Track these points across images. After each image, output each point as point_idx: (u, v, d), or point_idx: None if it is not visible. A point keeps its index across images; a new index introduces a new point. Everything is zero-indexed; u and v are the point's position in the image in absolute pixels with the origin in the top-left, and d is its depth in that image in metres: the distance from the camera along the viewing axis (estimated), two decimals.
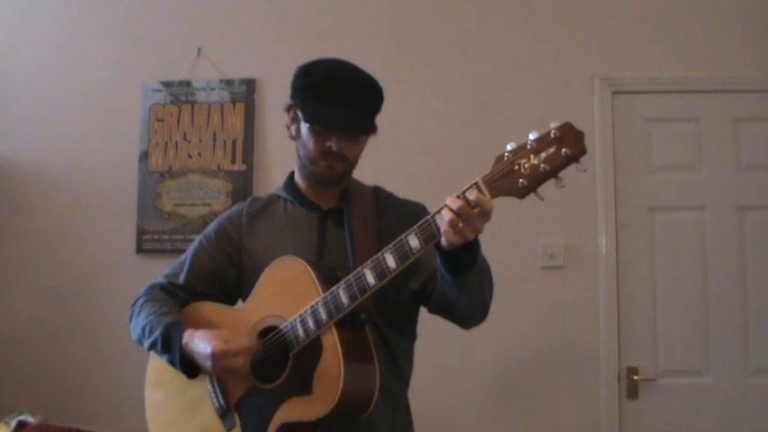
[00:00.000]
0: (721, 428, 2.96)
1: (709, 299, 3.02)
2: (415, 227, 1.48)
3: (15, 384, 3.11)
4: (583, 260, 3.02)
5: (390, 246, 1.51)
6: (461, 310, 1.68)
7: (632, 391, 2.98)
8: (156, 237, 3.14)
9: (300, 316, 1.58)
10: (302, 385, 1.56)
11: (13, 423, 2.67)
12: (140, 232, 3.16)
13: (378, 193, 1.85)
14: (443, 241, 1.44)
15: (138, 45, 3.28)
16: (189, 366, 1.64)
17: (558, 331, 3.01)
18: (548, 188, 1.40)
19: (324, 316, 1.55)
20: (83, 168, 3.24)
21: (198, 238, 1.88)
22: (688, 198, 3.07)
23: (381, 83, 1.76)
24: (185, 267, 1.82)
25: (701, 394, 2.99)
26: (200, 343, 1.60)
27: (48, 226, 3.22)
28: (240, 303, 1.82)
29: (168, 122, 3.22)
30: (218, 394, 1.70)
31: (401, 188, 1.90)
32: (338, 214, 1.77)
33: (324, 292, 1.57)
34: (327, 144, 1.69)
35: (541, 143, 1.38)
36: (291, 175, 1.87)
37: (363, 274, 1.53)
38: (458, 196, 1.41)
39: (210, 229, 1.87)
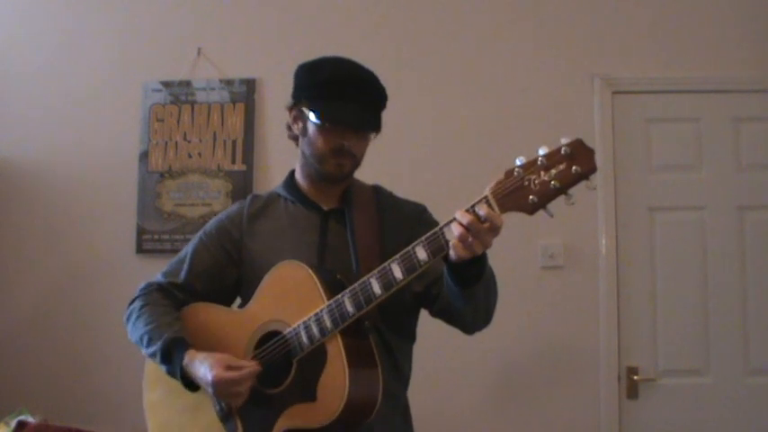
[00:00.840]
0: (721, 428, 2.96)
1: (709, 299, 3.02)
2: (422, 238, 1.48)
3: (15, 384, 3.11)
4: (583, 260, 3.02)
5: (398, 257, 1.50)
6: (466, 318, 1.69)
7: (632, 391, 2.98)
8: (156, 237, 3.14)
9: (304, 323, 1.57)
10: (306, 392, 1.56)
11: (13, 423, 2.67)
12: (140, 232, 3.16)
13: (378, 192, 1.85)
14: (452, 254, 1.44)
15: (138, 45, 3.28)
16: (189, 382, 1.64)
17: (558, 331, 3.01)
18: (556, 203, 1.40)
19: (328, 324, 1.54)
20: (83, 168, 3.24)
21: (198, 235, 1.86)
22: (688, 198, 3.07)
23: (384, 87, 1.76)
24: (185, 265, 1.81)
25: (701, 394, 2.99)
26: (200, 367, 1.60)
27: (48, 226, 3.22)
28: (237, 303, 1.82)
29: (168, 122, 3.22)
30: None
31: (400, 188, 1.90)
32: (339, 214, 1.77)
33: (328, 299, 1.56)
34: (339, 142, 1.69)
35: (552, 159, 1.37)
36: (292, 173, 1.86)
37: (369, 284, 1.52)
38: (467, 210, 1.41)
39: (211, 226, 1.86)
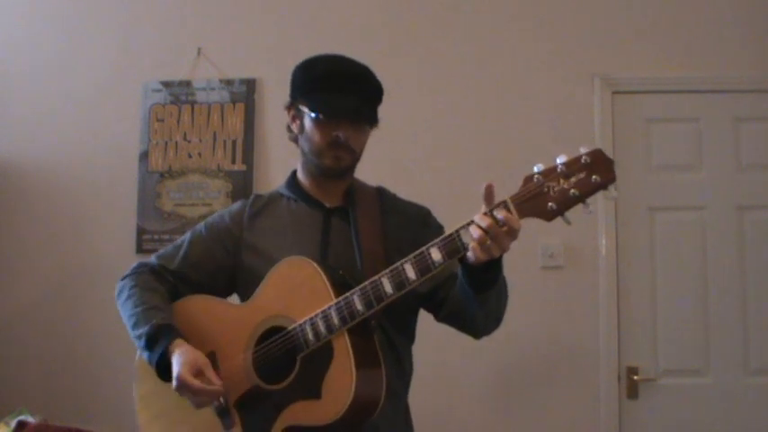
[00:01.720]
0: (721, 428, 2.96)
1: (709, 299, 3.02)
2: (438, 240, 1.48)
3: (15, 384, 3.11)
4: (583, 260, 3.02)
5: (411, 257, 1.50)
6: (477, 323, 1.70)
7: (632, 391, 2.98)
8: (156, 237, 3.15)
9: (311, 319, 1.57)
10: (310, 389, 1.55)
11: (13, 423, 2.67)
12: (140, 232, 3.16)
13: (381, 193, 1.84)
14: (470, 256, 1.44)
15: (138, 45, 3.28)
16: (164, 370, 1.63)
17: (558, 331, 3.01)
18: (571, 210, 1.40)
19: (336, 321, 1.54)
20: (83, 168, 3.24)
21: (198, 227, 1.86)
22: (688, 198, 3.07)
23: (380, 82, 1.77)
24: (181, 253, 1.81)
25: (701, 394, 2.99)
26: (176, 358, 1.59)
27: (48, 226, 3.22)
28: (232, 299, 1.82)
29: (168, 122, 3.22)
30: None
31: (400, 188, 1.90)
32: (342, 213, 1.77)
33: (335, 296, 1.56)
34: (335, 134, 1.69)
35: (571, 168, 1.38)
36: (294, 173, 1.86)
37: (381, 283, 1.52)
38: (486, 214, 1.42)
39: (212, 220, 1.87)
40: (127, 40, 3.29)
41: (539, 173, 1.41)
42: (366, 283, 1.54)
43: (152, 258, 1.84)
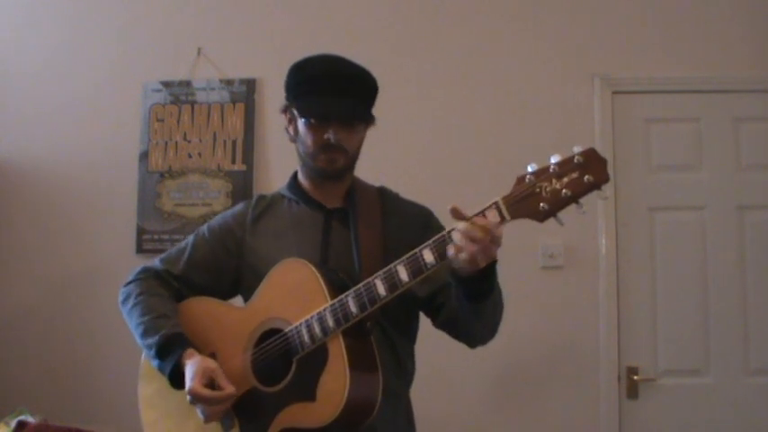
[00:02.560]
0: (721, 428, 2.96)
1: (709, 299, 3.02)
2: (429, 241, 1.48)
3: (15, 384, 3.11)
4: (583, 260, 3.02)
5: (404, 258, 1.50)
6: (473, 333, 1.70)
7: (632, 391, 2.98)
8: (156, 237, 3.15)
9: (306, 321, 1.57)
10: (305, 391, 1.55)
11: (13, 423, 2.67)
12: (140, 232, 3.16)
13: (383, 193, 1.84)
14: (455, 264, 1.44)
15: (138, 45, 3.28)
16: (177, 379, 1.64)
17: (558, 331, 3.01)
18: (564, 210, 1.39)
19: (331, 323, 1.54)
20: (83, 168, 3.24)
21: (201, 229, 1.86)
22: (688, 198, 3.07)
23: (380, 82, 1.76)
24: (184, 257, 1.81)
25: (701, 394, 2.99)
26: (188, 370, 1.60)
27: (48, 226, 3.22)
28: (234, 300, 1.82)
29: (168, 122, 3.22)
30: None
31: (400, 187, 1.90)
32: (343, 214, 1.76)
33: (332, 298, 1.56)
34: (325, 136, 1.69)
35: (564, 167, 1.37)
36: (295, 174, 1.86)
37: (374, 285, 1.51)
38: (468, 220, 1.41)
39: (215, 222, 1.86)
40: (127, 40, 3.29)
41: (531, 173, 1.40)
42: (360, 284, 1.53)
43: (155, 262, 1.84)
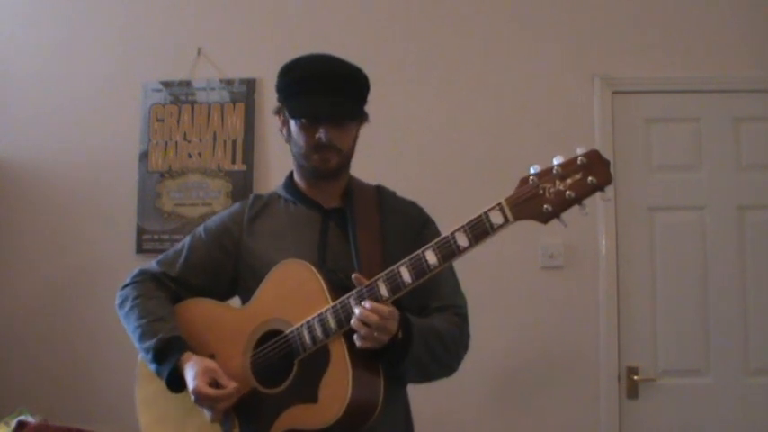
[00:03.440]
0: (721, 428, 2.95)
1: (709, 299, 3.02)
2: (432, 243, 1.49)
3: (15, 384, 3.11)
4: (583, 260, 3.02)
5: (407, 260, 1.50)
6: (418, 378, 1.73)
7: (632, 391, 2.98)
8: (156, 237, 3.14)
9: (308, 323, 1.57)
10: (307, 393, 1.55)
11: (13, 423, 2.67)
12: (140, 232, 3.16)
13: (380, 192, 1.83)
14: (358, 344, 1.50)
15: (138, 45, 3.28)
16: (174, 382, 1.65)
17: (558, 331, 3.01)
18: (568, 211, 1.40)
19: (333, 324, 1.54)
20: (83, 168, 3.24)
21: (197, 230, 1.86)
22: (688, 198, 3.07)
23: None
24: (181, 258, 1.81)
25: (701, 394, 2.98)
26: (189, 371, 1.61)
27: (48, 226, 3.22)
28: (231, 301, 1.81)
29: (168, 122, 3.22)
30: None
31: (400, 187, 1.90)
32: (340, 214, 1.76)
33: (333, 300, 1.56)
34: (317, 136, 1.69)
35: (567, 169, 1.38)
36: (291, 175, 1.86)
37: (377, 286, 1.52)
38: (361, 309, 1.48)
39: (211, 222, 1.86)
40: (127, 40, 3.29)
41: (534, 174, 1.40)
42: (362, 286, 1.53)
43: (152, 264, 1.83)
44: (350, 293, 1.54)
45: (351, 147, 1.76)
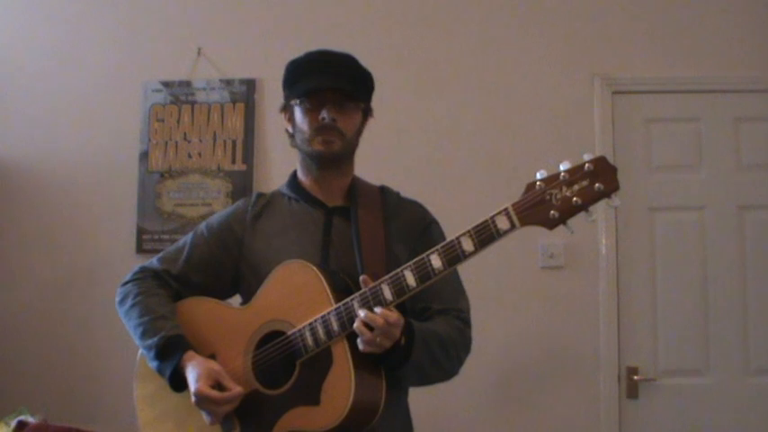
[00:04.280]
0: (721, 428, 2.95)
1: (709, 299, 3.02)
2: (438, 247, 1.49)
3: (15, 384, 3.11)
4: (583, 260, 3.02)
5: (411, 263, 1.50)
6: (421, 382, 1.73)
7: (632, 391, 2.98)
8: (156, 237, 3.14)
9: (310, 324, 1.56)
10: (309, 395, 1.55)
11: (13, 423, 2.67)
12: (140, 232, 3.16)
13: (384, 192, 1.82)
14: (360, 348, 1.50)
15: (138, 45, 3.28)
16: (176, 382, 1.64)
17: (558, 331, 3.01)
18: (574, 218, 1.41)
19: (336, 327, 1.53)
20: (83, 168, 3.24)
21: (199, 227, 1.85)
22: (688, 198, 3.07)
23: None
24: (183, 256, 1.80)
25: (701, 394, 2.99)
26: (191, 372, 1.60)
27: (48, 226, 3.22)
28: (230, 300, 1.81)
29: (168, 122, 3.22)
30: None
31: (399, 187, 1.90)
32: (344, 212, 1.75)
33: (336, 302, 1.55)
34: (320, 117, 1.68)
35: (574, 175, 1.38)
36: (294, 173, 1.85)
37: (381, 290, 1.51)
38: (366, 312, 1.48)
39: (214, 220, 1.85)
40: (127, 40, 3.29)
41: (541, 180, 1.40)
42: (366, 289, 1.53)
43: (153, 261, 1.83)
44: (354, 296, 1.53)
45: (354, 134, 1.75)
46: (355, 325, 1.48)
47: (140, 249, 3.13)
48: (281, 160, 3.08)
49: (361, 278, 1.53)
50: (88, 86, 3.28)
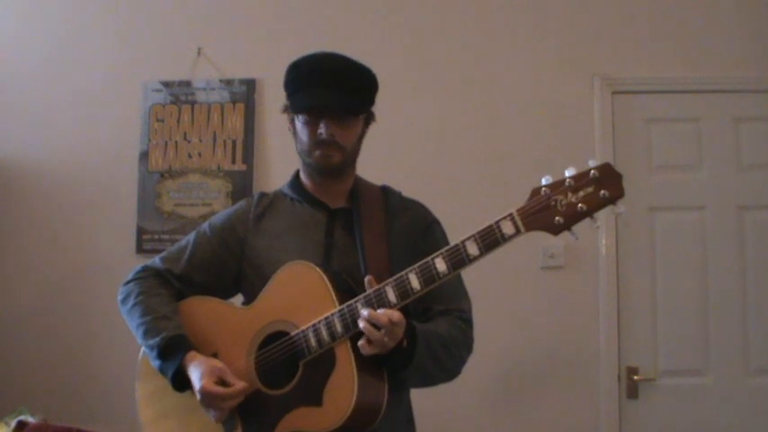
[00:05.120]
0: (721, 428, 2.96)
1: (710, 299, 3.02)
2: (443, 250, 1.49)
3: (15, 384, 3.11)
4: (583, 260, 3.02)
5: (416, 266, 1.50)
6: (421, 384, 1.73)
7: (632, 391, 2.98)
8: (156, 237, 3.14)
9: (314, 326, 1.56)
10: (311, 396, 1.55)
11: (13, 423, 2.67)
12: (140, 232, 3.16)
13: (386, 192, 1.82)
14: (363, 349, 1.50)
15: (138, 45, 3.28)
16: (178, 382, 1.64)
17: (558, 331, 3.01)
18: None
19: (339, 328, 1.53)
20: (83, 168, 3.24)
21: (202, 226, 1.85)
22: (688, 198, 3.07)
23: (380, 83, 1.76)
24: (185, 255, 1.80)
25: (701, 394, 2.99)
26: (194, 371, 1.60)
27: (48, 226, 3.22)
28: (232, 300, 1.81)
29: (168, 122, 3.22)
30: None
31: (400, 187, 1.90)
32: (346, 214, 1.75)
33: (339, 303, 1.55)
34: (318, 132, 1.68)
35: (579, 181, 1.39)
36: (297, 173, 1.85)
37: (385, 292, 1.52)
38: (369, 310, 1.49)
39: (216, 219, 1.85)
40: (127, 40, 3.29)
41: (546, 185, 1.41)
42: (370, 291, 1.53)
43: (156, 260, 1.83)
44: (357, 298, 1.54)
45: (354, 144, 1.75)
46: (362, 325, 1.48)
47: (140, 249, 3.13)
48: (281, 160, 3.08)
49: (366, 278, 1.53)
50: (88, 86, 3.28)
